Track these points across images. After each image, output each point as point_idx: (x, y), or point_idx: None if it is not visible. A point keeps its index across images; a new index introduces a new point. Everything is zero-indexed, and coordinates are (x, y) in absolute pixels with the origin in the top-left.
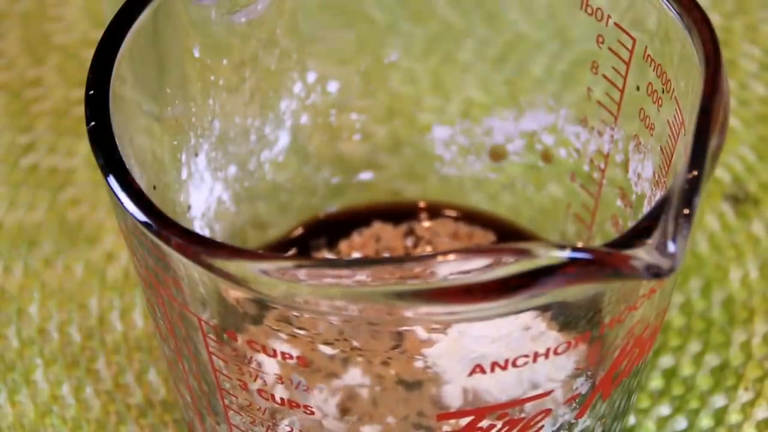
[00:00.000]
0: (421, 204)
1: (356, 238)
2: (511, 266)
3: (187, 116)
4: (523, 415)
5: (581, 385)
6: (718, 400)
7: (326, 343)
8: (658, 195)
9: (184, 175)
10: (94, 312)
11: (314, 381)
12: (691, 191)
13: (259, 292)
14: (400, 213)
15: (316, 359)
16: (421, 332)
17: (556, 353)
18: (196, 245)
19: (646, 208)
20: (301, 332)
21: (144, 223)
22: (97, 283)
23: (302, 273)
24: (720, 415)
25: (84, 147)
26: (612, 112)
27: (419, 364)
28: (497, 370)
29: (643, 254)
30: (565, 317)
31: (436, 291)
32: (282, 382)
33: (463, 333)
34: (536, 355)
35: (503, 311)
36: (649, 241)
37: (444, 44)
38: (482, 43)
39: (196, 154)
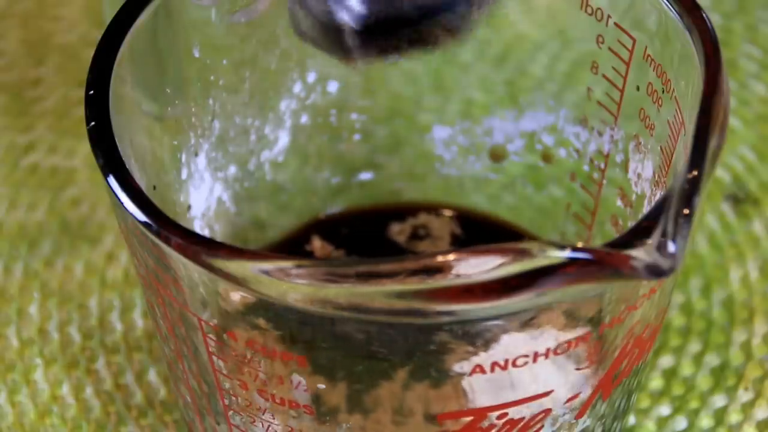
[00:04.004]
0: (421, 204)
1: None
2: (511, 266)
3: (187, 116)
4: (523, 415)
5: (581, 385)
6: (718, 400)
7: (326, 343)
8: (658, 195)
9: (184, 175)
10: (94, 312)
11: (314, 381)
12: (691, 191)
13: (259, 292)
14: (400, 213)
15: (316, 359)
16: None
17: (556, 353)
18: (196, 245)
19: (646, 208)
20: (301, 332)
21: (144, 223)
22: (97, 283)
23: (302, 273)
24: (720, 415)
25: (84, 147)
26: (612, 112)
27: (419, 363)
28: (497, 370)
29: (643, 254)
30: (565, 317)
31: (437, 291)
32: (282, 382)
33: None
34: (536, 355)
35: (503, 311)
36: (649, 241)
37: None
38: (482, 43)
39: (196, 154)
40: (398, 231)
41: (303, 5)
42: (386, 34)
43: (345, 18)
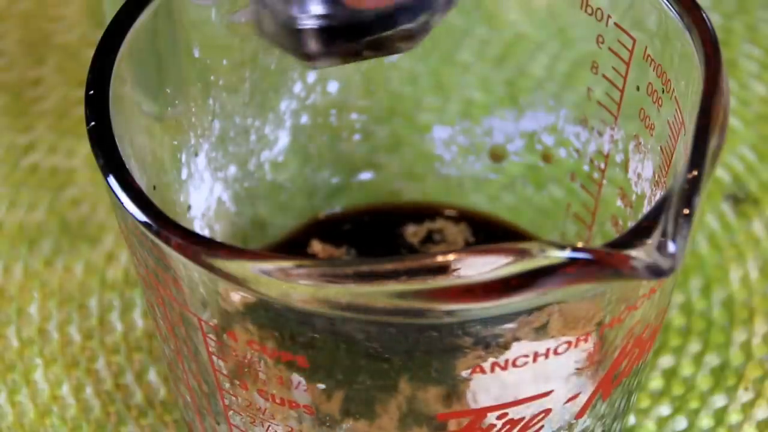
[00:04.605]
0: (421, 204)
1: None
2: (512, 266)
3: (187, 116)
4: (523, 415)
5: (581, 385)
6: (718, 400)
7: (326, 343)
8: (658, 195)
9: (184, 175)
10: (94, 312)
11: (314, 381)
12: (691, 191)
13: (259, 292)
14: (400, 213)
15: (316, 359)
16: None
17: (556, 353)
18: (196, 245)
19: (646, 208)
20: (301, 332)
21: (144, 223)
22: (97, 283)
23: (302, 273)
24: (720, 415)
25: (84, 147)
26: (612, 112)
27: (420, 363)
28: (497, 370)
29: (643, 254)
30: (565, 317)
31: (437, 291)
32: (282, 383)
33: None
34: (536, 355)
35: (503, 311)
36: (649, 241)
37: (444, 44)
38: (482, 43)
39: (196, 154)
40: (407, 233)
41: (265, 6)
42: (347, 38)
43: (305, 21)
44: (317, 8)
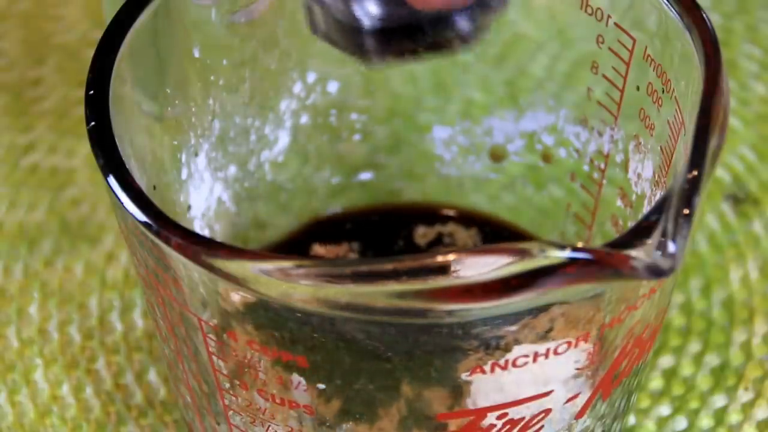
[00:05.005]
0: (421, 204)
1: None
2: (511, 266)
3: (187, 116)
4: (523, 415)
5: (581, 385)
6: (718, 400)
7: (326, 343)
8: (658, 195)
9: (184, 175)
10: (94, 312)
11: (314, 381)
12: (691, 191)
13: (259, 292)
14: (400, 213)
15: (316, 359)
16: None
17: (556, 353)
18: (196, 245)
19: (646, 208)
20: (301, 332)
21: (144, 223)
22: (97, 283)
23: (302, 273)
24: (720, 415)
25: (84, 147)
26: (612, 112)
27: (420, 363)
28: (497, 370)
29: (643, 254)
30: (565, 317)
31: (437, 291)
32: (282, 383)
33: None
34: (536, 355)
35: (503, 311)
36: (649, 241)
37: None
38: (482, 43)
39: (196, 154)
40: (416, 234)
41: (322, 3)
42: (404, 38)
43: (364, 20)
44: (377, 9)
